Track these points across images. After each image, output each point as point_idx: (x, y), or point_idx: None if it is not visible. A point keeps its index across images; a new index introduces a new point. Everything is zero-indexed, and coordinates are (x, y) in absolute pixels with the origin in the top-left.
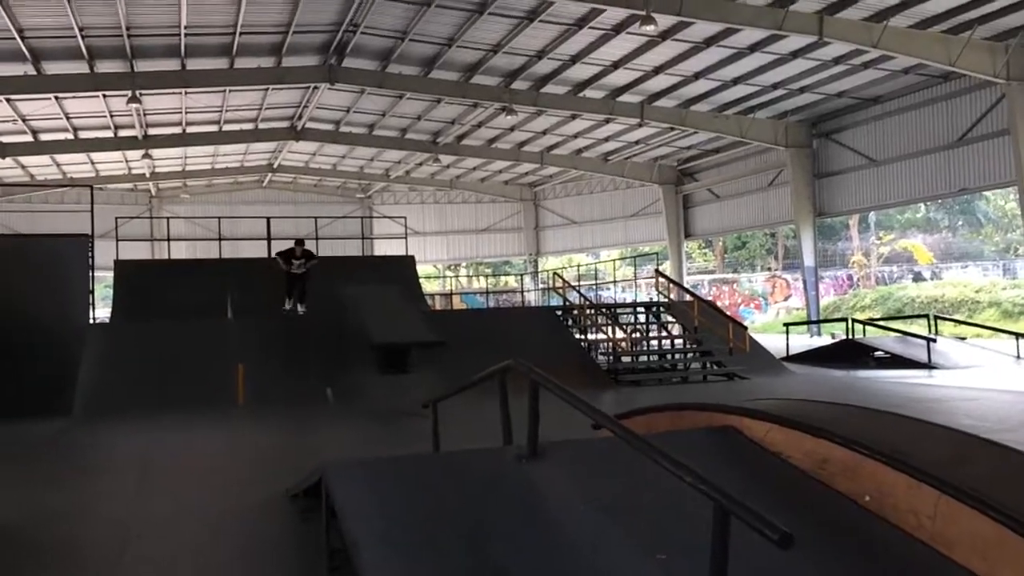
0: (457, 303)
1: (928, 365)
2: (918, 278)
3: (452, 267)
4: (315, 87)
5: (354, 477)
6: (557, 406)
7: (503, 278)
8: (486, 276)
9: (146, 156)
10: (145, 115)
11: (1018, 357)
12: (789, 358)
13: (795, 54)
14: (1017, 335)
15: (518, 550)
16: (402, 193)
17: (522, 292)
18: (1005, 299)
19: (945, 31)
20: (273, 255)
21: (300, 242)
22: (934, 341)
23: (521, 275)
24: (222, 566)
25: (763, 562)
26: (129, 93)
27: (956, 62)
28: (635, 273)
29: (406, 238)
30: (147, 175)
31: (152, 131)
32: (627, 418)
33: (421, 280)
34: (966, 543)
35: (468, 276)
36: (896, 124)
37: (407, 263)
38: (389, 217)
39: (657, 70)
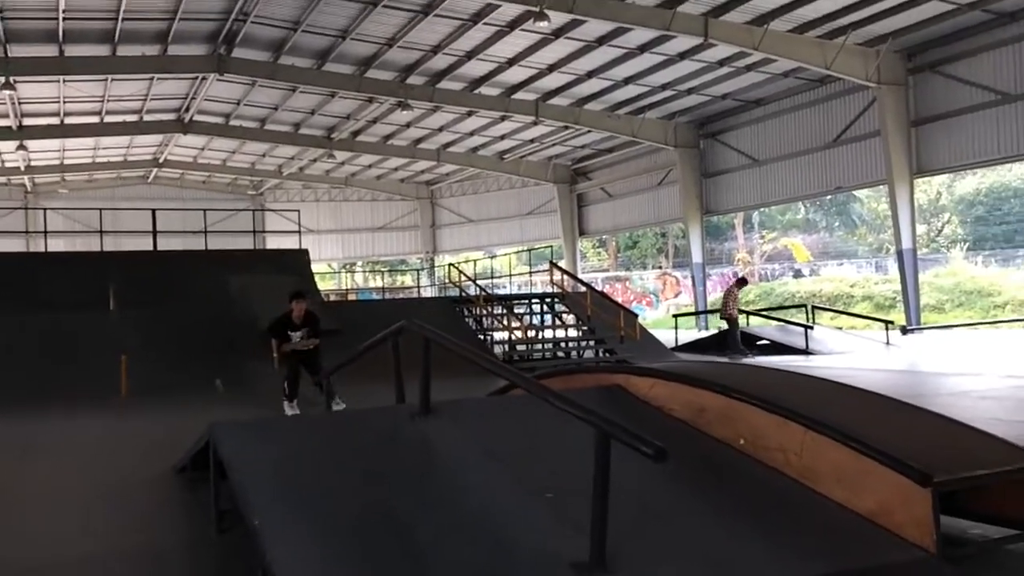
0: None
1: (806, 351)
2: (798, 275)
3: (347, 266)
4: (203, 78)
5: (243, 436)
6: (459, 384)
7: (400, 277)
8: (382, 274)
9: (21, 148)
10: (20, 104)
11: (887, 343)
12: (678, 347)
13: (683, 55)
14: (887, 323)
15: (412, 495)
16: (296, 191)
17: (418, 289)
18: (877, 293)
19: (821, 36)
20: (265, 328)
21: (299, 296)
22: (811, 328)
23: (418, 271)
24: (109, 532)
25: (646, 498)
26: (2, 79)
27: (832, 66)
28: (531, 268)
29: (299, 234)
30: (22, 168)
31: (27, 121)
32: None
33: (316, 280)
34: (829, 474)
35: (364, 274)
36: (777, 125)
37: (300, 256)
38: (281, 211)
39: (551, 68)
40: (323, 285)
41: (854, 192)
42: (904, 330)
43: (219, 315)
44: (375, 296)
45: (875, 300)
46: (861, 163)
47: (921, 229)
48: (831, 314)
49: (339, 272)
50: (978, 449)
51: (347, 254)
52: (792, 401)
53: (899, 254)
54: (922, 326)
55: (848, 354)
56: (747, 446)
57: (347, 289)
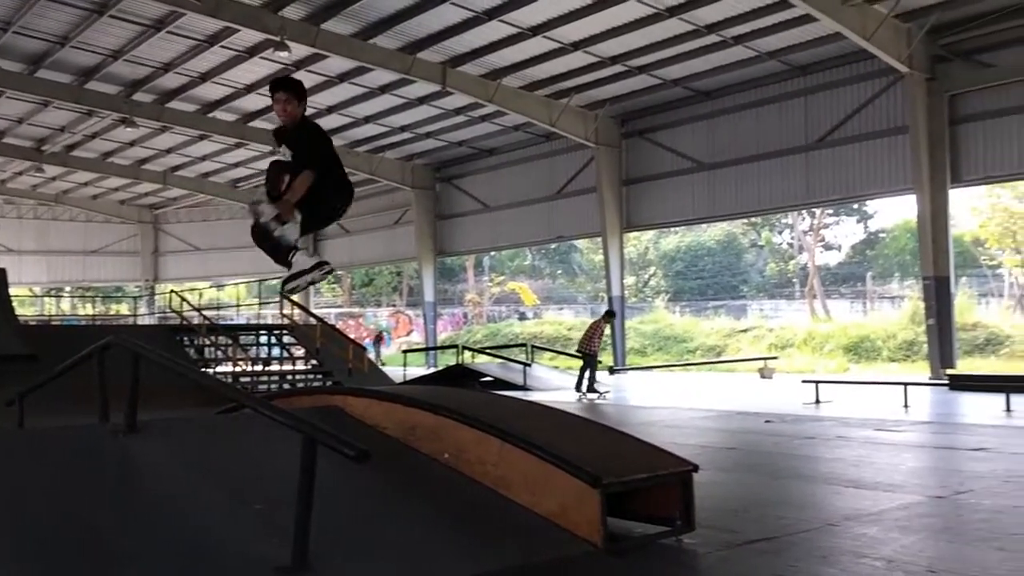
0: None
1: (524, 387)
2: (523, 317)
3: (53, 292)
4: None
5: None
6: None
7: (115, 305)
8: (93, 301)
9: None
10: None
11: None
12: (406, 382)
13: (422, 100)
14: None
15: (111, 511)
16: None
17: (135, 318)
18: None
19: (548, 95)
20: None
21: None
22: (529, 366)
23: (135, 298)
24: None
25: (354, 506)
26: None
27: (556, 124)
28: (260, 300)
29: None
30: None
31: None
32: (239, 409)
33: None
34: (519, 481)
35: (73, 300)
36: (508, 175)
37: None
38: None
39: None
40: (22, 311)
41: (575, 242)
42: (612, 370)
43: None
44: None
45: None
46: (580, 215)
47: (631, 280)
48: (549, 354)
49: (42, 297)
50: (643, 458)
51: (53, 278)
52: (490, 417)
53: (610, 301)
54: (627, 367)
55: (561, 390)
56: (451, 459)
57: (51, 316)
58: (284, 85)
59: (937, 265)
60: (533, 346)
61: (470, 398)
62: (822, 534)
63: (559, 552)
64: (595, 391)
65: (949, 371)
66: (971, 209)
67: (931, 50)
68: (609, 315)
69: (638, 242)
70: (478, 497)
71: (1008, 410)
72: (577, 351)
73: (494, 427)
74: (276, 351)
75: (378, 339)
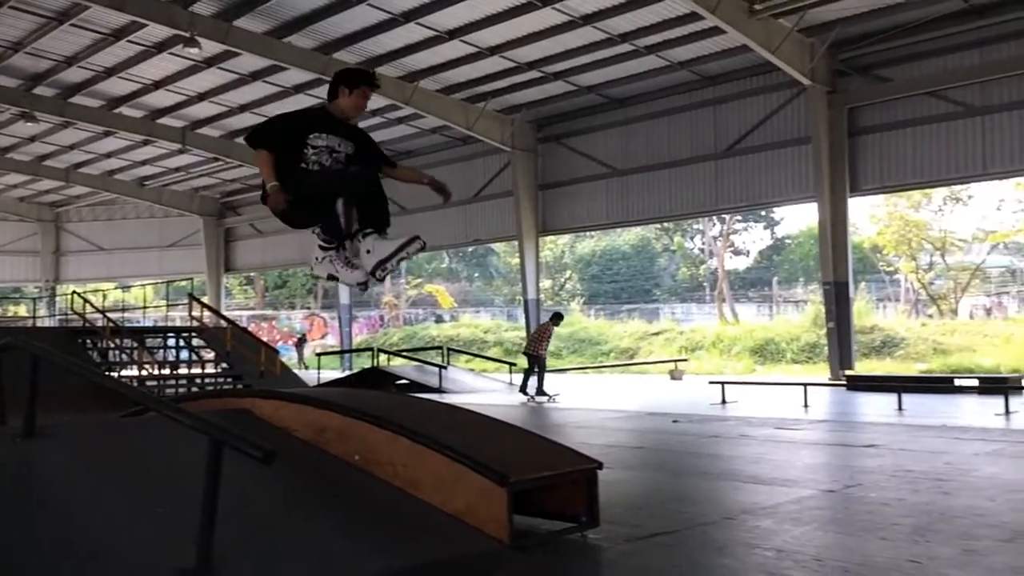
0: None
1: (440, 389)
2: (440, 320)
3: None
4: None
5: None
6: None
7: (12, 307)
8: None
9: None
10: None
11: (510, 383)
12: (320, 385)
13: None
14: (511, 365)
15: (9, 516)
16: None
17: (34, 320)
18: (507, 339)
19: (465, 99)
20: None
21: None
22: (445, 369)
23: (35, 299)
24: None
25: (263, 510)
26: None
27: (473, 127)
28: (168, 302)
29: None
30: None
31: None
32: (143, 413)
33: None
34: (429, 482)
35: None
36: None
37: None
38: None
39: (202, 96)
40: None
41: (492, 245)
42: None
43: None
44: None
45: (505, 345)
46: (497, 218)
47: (547, 283)
48: (466, 357)
49: None
50: (550, 457)
51: None
52: (400, 419)
53: (526, 304)
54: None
55: (477, 392)
56: (361, 461)
57: None
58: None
59: (837, 271)
60: (450, 349)
61: (381, 400)
62: (720, 527)
63: (466, 549)
64: (544, 394)
65: (847, 372)
66: (870, 217)
67: (832, 64)
68: (557, 318)
69: (554, 246)
70: (388, 497)
71: (900, 409)
72: (524, 353)
73: (404, 428)
74: (184, 354)
75: (301, 342)
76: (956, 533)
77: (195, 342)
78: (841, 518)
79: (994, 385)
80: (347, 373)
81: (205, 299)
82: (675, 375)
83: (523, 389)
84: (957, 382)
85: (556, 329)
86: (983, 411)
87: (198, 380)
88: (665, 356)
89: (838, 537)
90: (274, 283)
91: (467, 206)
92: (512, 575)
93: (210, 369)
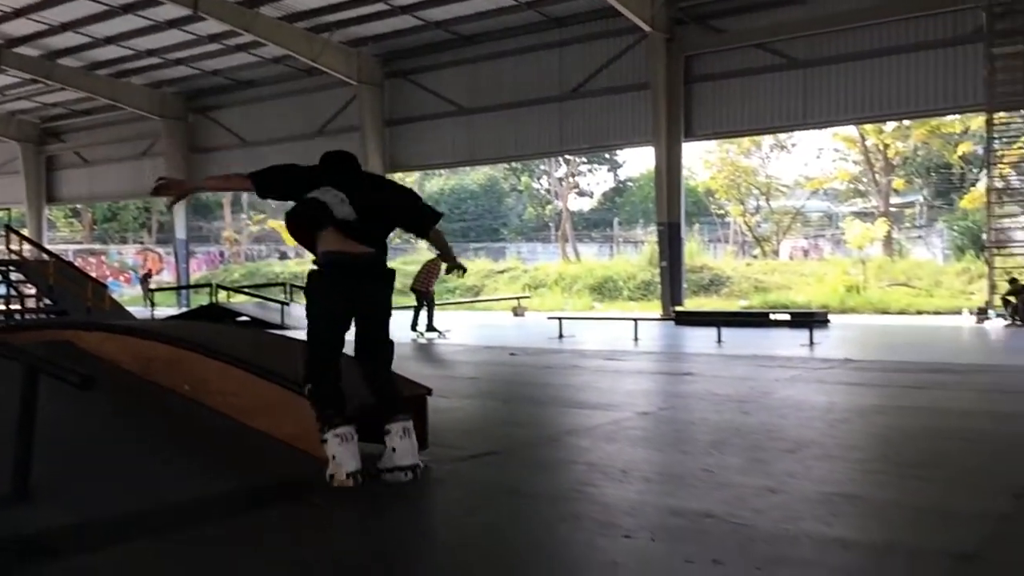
0: None
1: (282, 326)
2: (284, 257)
3: None
4: None
5: None
6: None
7: None
8: None
9: None
10: None
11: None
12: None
13: (172, 23)
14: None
15: None
16: None
17: None
18: None
19: (309, 29)
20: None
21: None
22: (287, 305)
23: None
24: None
25: (88, 439)
26: None
27: (319, 59)
28: None
29: None
30: None
31: None
32: None
33: None
34: (260, 409)
35: None
36: (267, 109)
37: None
38: None
39: (18, 12)
40: None
41: None
42: None
43: None
44: None
45: None
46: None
47: None
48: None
49: None
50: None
51: None
52: (229, 348)
53: None
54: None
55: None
56: (191, 391)
57: None
58: None
59: (671, 212)
60: (292, 286)
61: (209, 331)
62: (542, 447)
63: (296, 471)
64: (434, 330)
65: (677, 308)
66: (704, 162)
67: (672, 12)
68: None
69: (403, 183)
70: (218, 425)
71: (719, 341)
72: (411, 289)
73: (234, 357)
74: (2, 289)
75: (147, 277)
76: (747, 446)
77: (14, 276)
78: (650, 436)
79: (802, 319)
80: (183, 310)
81: (25, 232)
82: (518, 312)
83: (414, 327)
84: (772, 317)
85: (397, 267)
86: (791, 342)
87: (18, 316)
88: (509, 293)
89: (645, 452)
90: (103, 216)
91: (311, 140)
92: (337, 494)
93: (31, 304)
